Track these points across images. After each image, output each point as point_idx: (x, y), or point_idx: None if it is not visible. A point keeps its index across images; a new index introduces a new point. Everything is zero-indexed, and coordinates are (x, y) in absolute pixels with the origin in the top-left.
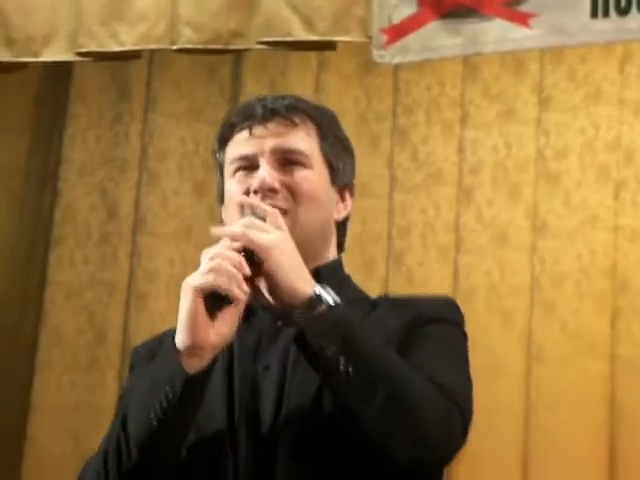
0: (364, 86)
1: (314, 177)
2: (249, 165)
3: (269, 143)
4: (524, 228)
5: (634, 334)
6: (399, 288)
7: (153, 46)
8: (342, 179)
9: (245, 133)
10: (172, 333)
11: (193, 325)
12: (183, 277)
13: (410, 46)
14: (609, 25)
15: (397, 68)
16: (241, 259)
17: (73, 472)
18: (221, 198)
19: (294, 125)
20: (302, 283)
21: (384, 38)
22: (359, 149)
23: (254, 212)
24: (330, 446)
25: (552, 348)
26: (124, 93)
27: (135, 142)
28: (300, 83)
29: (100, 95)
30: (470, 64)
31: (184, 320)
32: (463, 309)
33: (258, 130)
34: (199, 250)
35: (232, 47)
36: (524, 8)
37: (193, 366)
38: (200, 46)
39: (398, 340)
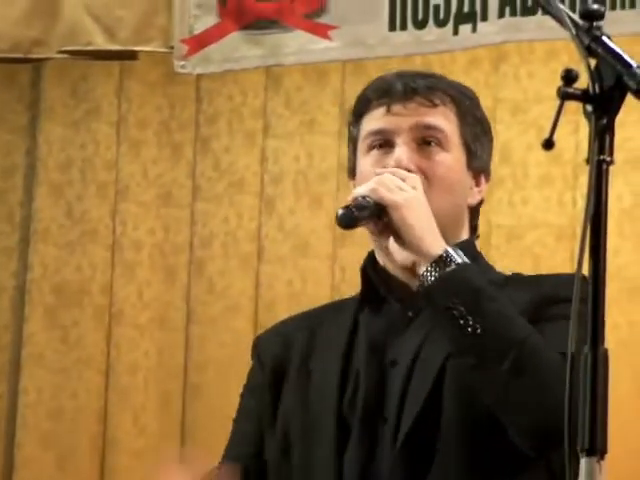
0: (167, 95)
1: (450, 161)
2: (384, 142)
3: (407, 121)
4: (325, 238)
5: None
6: (201, 297)
7: None
8: (478, 163)
9: (383, 109)
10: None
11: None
12: None
13: (211, 57)
14: (407, 37)
15: (200, 77)
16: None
17: None
18: (352, 175)
19: (434, 106)
20: (431, 241)
21: (185, 48)
22: (161, 157)
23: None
24: (447, 451)
25: None
26: None
27: None
28: (102, 89)
29: None
30: (273, 74)
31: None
32: (266, 320)
33: (397, 108)
34: None
35: (33, 56)
36: (324, 20)
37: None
38: (0, 55)
39: (525, 316)
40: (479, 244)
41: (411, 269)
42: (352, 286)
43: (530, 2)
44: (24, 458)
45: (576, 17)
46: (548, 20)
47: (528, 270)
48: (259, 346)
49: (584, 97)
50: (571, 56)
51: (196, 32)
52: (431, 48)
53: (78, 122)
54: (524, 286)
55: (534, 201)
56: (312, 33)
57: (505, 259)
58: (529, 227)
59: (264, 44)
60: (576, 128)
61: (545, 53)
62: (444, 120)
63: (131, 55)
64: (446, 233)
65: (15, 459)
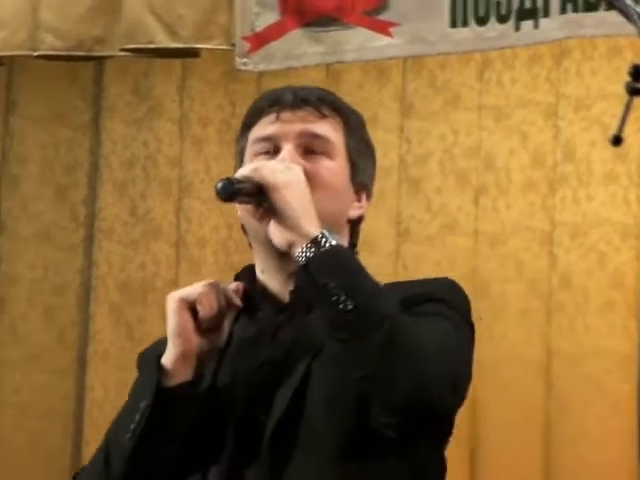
0: (228, 92)
1: (335, 168)
2: (271, 148)
3: (295, 127)
4: (388, 234)
5: (493, 338)
6: None
7: (14, 53)
8: (362, 178)
9: (272, 117)
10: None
11: (181, 334)
12: (44, 281)
13: (273, 54)
14: (468, 34)
15: (261, 75)
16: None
17: None
18: None
19: (323, 116)
20: (309, 222)
21: (247, 46)
22: (223, 154)
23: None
24: (317, 443)
25: None
26: None
27: None
28: (164, 86)
29: None
30: (333, 72)
31: (172, 330)
32: None
33: (286, 115)
34: (59, 254)
35: (95, 54)
36: (385, 17)
37: (185, 374)
38: (63, 53)
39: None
40: None
41: (288, 253)
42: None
43: None
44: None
45: None
46: (610, 16)
47: (594, 268)
48: (142, 359)
49: None
50: (635, 53)
51: (257, 29)
52: (492, 44)
53: (140, 120)
54: (396, 289)
55: (599, 198)
56: (373, 30)
57: (569, 255)
58: (593, 224)
59: (325, 41)
60: None
61: (608, 50)
62: (331, 131)
63: (193, 53)
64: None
65: (83, 457)
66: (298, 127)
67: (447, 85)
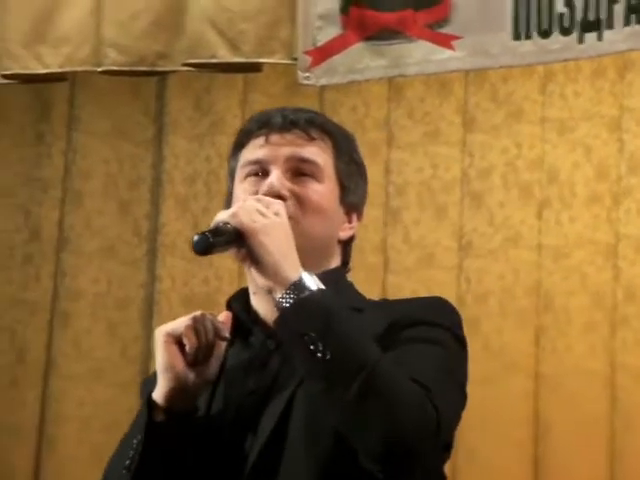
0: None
1: (324, 191)
2: (260, 170)
3: (284, 151)
4: (451, 248)
5: (557, 351)
6: None
7: (78, 68)
8: (352, 199)
9: (261, 140)
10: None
11: (169, 369)
12: (107, 295)
13: (335, 68)
14: (531, 46)
15: (323, 89)
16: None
17: None
18: (228, 205)
19: (311, 139)
20: (287, 268)
21: (309, 60)
22: None
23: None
24: (298, 469)
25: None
26: (46, 112)
27: (58, 161)
28: (226, 101)
29: (22, 114)
30: (395, 85)
31: (160, 365)
32: None
33: (274, 138)
34: (123, 268)
35: (157, 69)
36: (447, 30)
37: (176, 407)
38: (126, 68)
39: (380, 340)
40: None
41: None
42: (477, 296)
43: None
44: None
45: None
46: None
47: None
48: (145, 385)
49: None
50: None
51: (319, 43)
52: (555, 57)
53: (202, 135)
54: (380, 311)
55: None
56: (435, 43)
57: (634, 268)
58: None
59: (387, 55)
60: None
61: None
62: (320, 153)
63: (255, 67)
64: (314, 260)
65: None
66: (286, 151)
67: (509, 98)
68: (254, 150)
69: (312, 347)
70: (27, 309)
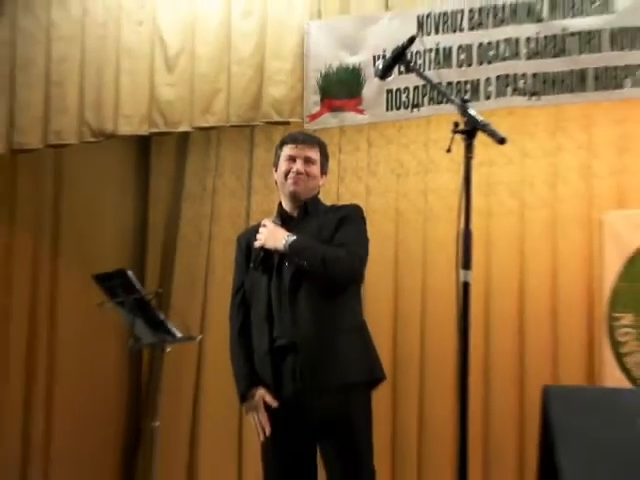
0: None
1: (316, 169)
2: (292, 159)
3: (302, 152)
4: None
5: None
6: None
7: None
8: (324, 171)
9: (293, 145)
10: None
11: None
12: None
13: (318, 122)
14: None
15: (314, 130)
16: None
17: None
18: (276, 167)
19: (313, 147)
20: (280, 244)
21: (309, 118)
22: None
23: (263, 225)
24: (305, 286)
25: None
26: None
27: None
28: (271, 135)
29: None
30: (343, 130)
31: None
32: None
33: (299, 145)
34: None
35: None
36: (361, 107)
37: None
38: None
39: (335, 225)
40: None
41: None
42: None
43: None
44: None
45: None
46: None
47: None
48: (239, 239)
49: None
50: None
51: (313, 112)
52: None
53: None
54: (334, 211)
55: None
56: (356, 113)
57: None
58: None
59: (338, 117)
60: None
61: None
62: (316, 154)
63: (286, 122)
64: (311, 193)
65: None
66: (303, 152)
67: None
68: (290, 149)
69: (299, 262)
70: None
